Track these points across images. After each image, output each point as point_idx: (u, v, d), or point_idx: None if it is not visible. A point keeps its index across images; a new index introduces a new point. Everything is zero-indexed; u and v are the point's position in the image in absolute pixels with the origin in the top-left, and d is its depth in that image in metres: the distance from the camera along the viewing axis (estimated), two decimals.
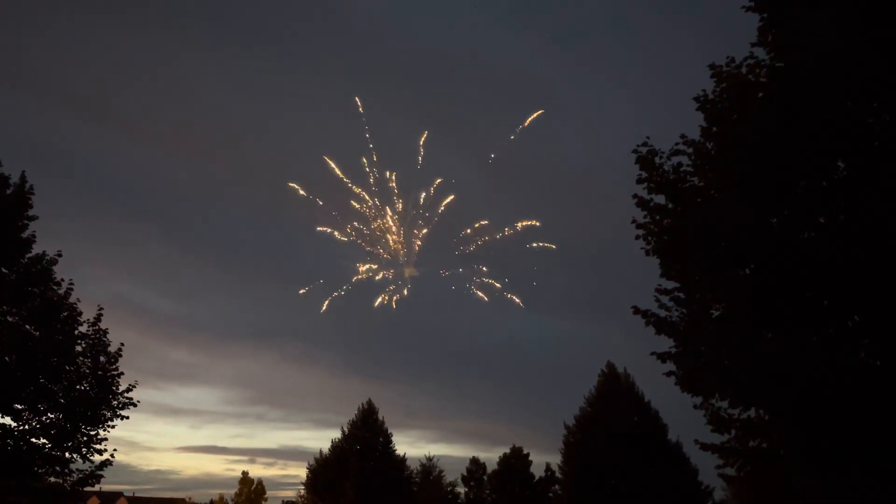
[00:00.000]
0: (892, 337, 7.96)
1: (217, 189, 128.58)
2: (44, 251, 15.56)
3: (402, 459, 44.89)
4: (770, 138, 8.50)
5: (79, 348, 15.95)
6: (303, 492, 48.48)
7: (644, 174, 9.76)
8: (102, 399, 15.89)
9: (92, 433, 15.70)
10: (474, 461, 51.90)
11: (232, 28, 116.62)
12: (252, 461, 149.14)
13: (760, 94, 9.06)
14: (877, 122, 8.19)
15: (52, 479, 15.60)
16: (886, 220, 7.55)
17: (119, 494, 72.24)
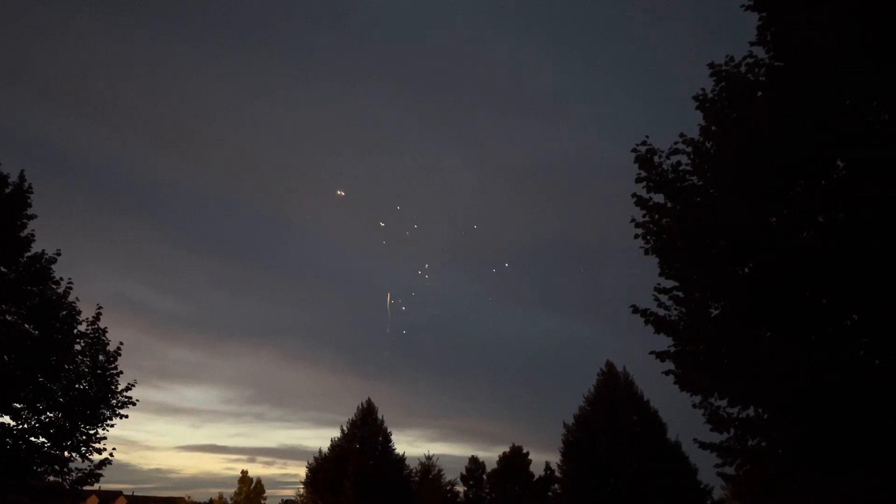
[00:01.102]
0: (891, 335, 7.96)
1: (217, 187, 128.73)
2: (42, 250, 15.60)
3: (402, 458, 44.94)
4: (769, 137, 8.48)
5: (78, 347, 15.96)
6: (302, 490, 48.56)
7: (643, 173, 9.75)
8: (101, 398, 15.90)
9: (91, 432, 15.72)
10: (473, 460, 51.98)
11: (233, 26, 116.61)
12: (252, 460, 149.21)
13: (759, 93, 9.04)
14: (875, 121, 8.18)
15: (52, 478, 15.63)
16: (885, 220, 7.55)
17: (118, 493, 72.24)
